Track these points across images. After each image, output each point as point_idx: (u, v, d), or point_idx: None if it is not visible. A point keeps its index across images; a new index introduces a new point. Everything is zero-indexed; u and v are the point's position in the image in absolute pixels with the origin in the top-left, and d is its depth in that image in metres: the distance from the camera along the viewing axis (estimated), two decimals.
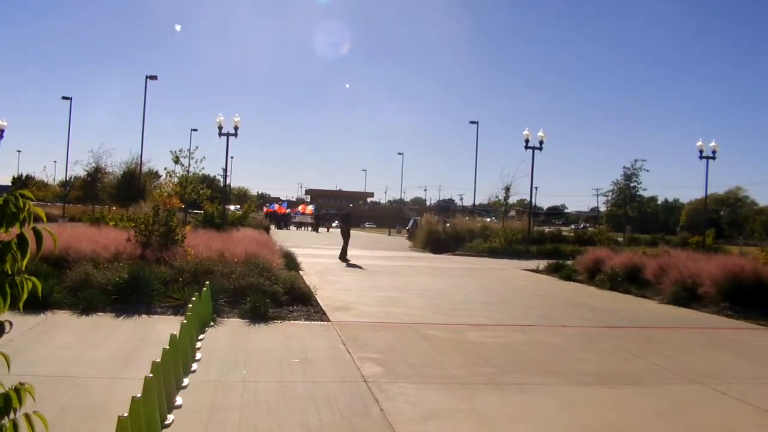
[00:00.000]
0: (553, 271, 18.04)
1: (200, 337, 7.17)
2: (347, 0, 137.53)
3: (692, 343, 8.68)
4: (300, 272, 14.05)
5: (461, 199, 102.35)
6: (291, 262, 14.38)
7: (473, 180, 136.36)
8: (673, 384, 6.30)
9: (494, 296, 12.86)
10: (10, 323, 2.03)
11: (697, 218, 68.83)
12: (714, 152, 26.79)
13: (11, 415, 1.98)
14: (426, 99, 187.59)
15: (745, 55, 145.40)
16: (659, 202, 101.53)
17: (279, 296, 9.62)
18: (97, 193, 45.01)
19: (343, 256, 20.53)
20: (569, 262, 18.41)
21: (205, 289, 8.20)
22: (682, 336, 9.17)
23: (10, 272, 1.97)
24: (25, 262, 1.98)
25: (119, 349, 6.66)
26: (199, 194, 19.78)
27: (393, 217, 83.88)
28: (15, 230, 1.98)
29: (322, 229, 59.84)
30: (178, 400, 4.82)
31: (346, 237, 21.36)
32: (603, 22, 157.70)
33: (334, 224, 59.44)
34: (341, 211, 25.71)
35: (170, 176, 14.78)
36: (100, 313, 8.43)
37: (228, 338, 7.47)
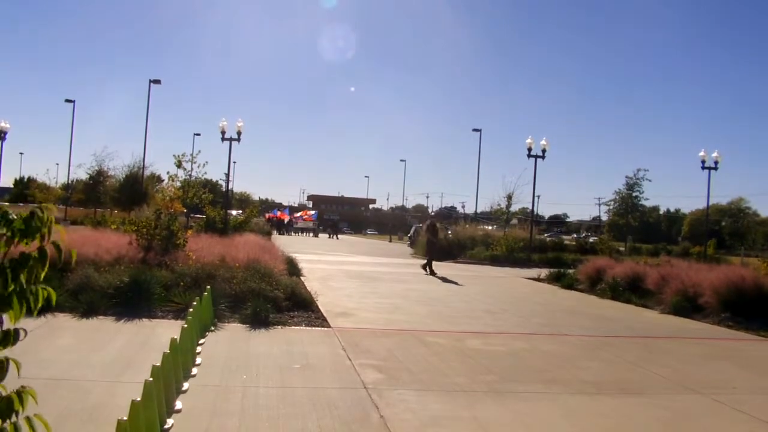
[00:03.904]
0: (554, 279, 18.02)
1: (201, 341, 7.17)
2: (351, 5, 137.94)
3: (693, 353, 8.66)
4: (301, 278, 14.07)
5: (463, 206, 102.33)
6: (292, 268, 14.38)
7: (475, 187, 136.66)
8: (674, 394, 6.28)
9: (495, 304, 12.84)
10: (25, 331, 2.06)
11: (699, 228, 68.82)
12: (716, 163, 26.72)
13: (13, 418, 1.99)
14: (429, 105, 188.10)
15: (749, 65, 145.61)
16: (661, 212, 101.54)
17: (280, 302, 9.62)
18: (99, 196, 45.05)
19: (429, 267, 19.63)
20: (571, 271, 18.39)
21: (206, 293, 8.21)
22: (682, 346, 9.14)
23: (23, 286, 1.99)
24: (43, 274, 2.01)
25: (120, 352, 6.66)
26: (201, 199, 19.77)
27: (395, 223, 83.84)
28: (35, 242, 2.01)
29: (322, 235, 60.11)
30: (178, 405, 4.82)
31: (432, 249, 20.54)
32: (606, 31, 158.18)
33: (345, 230, 60.03)
34: (426, 221, 24.85)
35: (172, 180, 14.73)
36: (101, 317, 8.43)
37: (229, 343, 7.47)
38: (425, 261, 20.19)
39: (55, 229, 2.05)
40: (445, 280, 17.86)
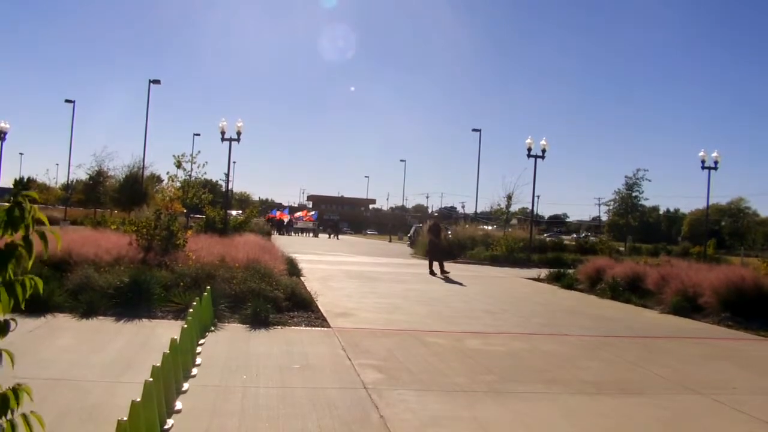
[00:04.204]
0: (554, 279, 18.02)
1: (201, 341, 7.16)
2: (351, 5, 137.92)
3: (693, 353, 8.66)
4: (301, 278, 14.07)
5: (463, 206, 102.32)
6: (292, 268, 14.38)
7: (475, 188, 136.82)
8: (674, 394, 6.28)
9: (495, 304, 12.84)
10: (15, 321, 2.05)
11: (699, 228, 68.86)
12: (716, 163, 26.71)
13: (9, 416, 1.99)
14: (429, 106, 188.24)
15: (749, 65, 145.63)
16: (661, 212, 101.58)
17: (280, 302, 9.62)
18: (99, 196, 45.01)
19: (442, 269, 19.24)
20: (571, 271, 18.38)
21: (206, 293, 8.20)
22: (682, 346, 9.14)
23: (11, 276, 1.98)
24: (30, 263, 2.00)
25: (120, 352, 6.66)
26: (200, 199, 19.78)
27: (395, 224, 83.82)
28: (20, 233, 2.00)
29: (322, 236, 60.21)
30: (178, 405, 4.82)
31: (435, 250, 20.15)
32: (606, 31, 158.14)
33: (345, 230, 60.41)
34: (431, 223, 24.55)
35: (172, 180, 14.74)
36: (101, 317, 8.43)
37: (228, 343, 7.47)
38: (438, 266, 19.62)
39: (40, 218, 2.04)
40: (444, 280, 17.87)
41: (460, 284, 16.83)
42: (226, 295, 9.41)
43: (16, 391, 2.02)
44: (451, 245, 28.69)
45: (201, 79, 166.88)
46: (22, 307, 2.02)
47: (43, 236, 2.03)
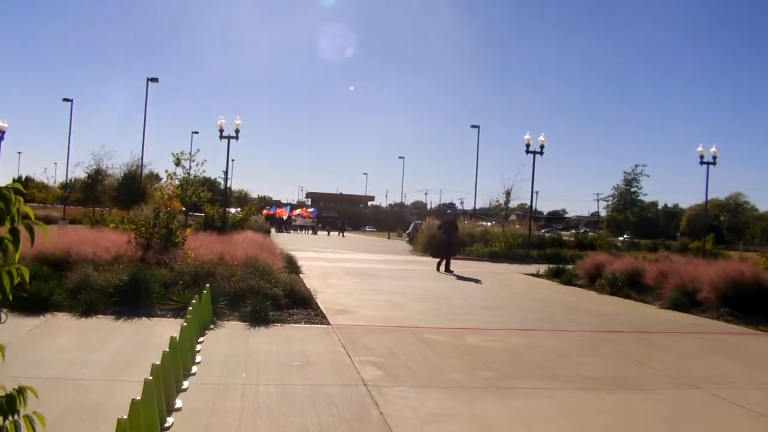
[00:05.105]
0: (553, 275, 18.04)
1: (200, 339, 7.17)
2: (351, 5, 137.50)
3: (692, 348, 8.67)
4: (300, 275, 14.05)
5: (462, 203, 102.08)
6: (291, 266, 14.37)
7: (474, 184, 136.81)
8: (673, 389, 6.29)
9: (495, 300, 12.85)
10: (6, 314, 2.05)
11: (697, 224, 68.85)
12: (714, 158, 26.69)
13: (13, 417, 1.99)
14: (427, 103, 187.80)
15: (747, 60, 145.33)
16: (659, 207, 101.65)
17: (279, 299, 9.62)
18: (97, 195, 44.99)
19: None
20: (570, 267, 18.41)
21: (205, 291, 8.20)
22: (682, 341, 9.16)
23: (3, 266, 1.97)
24: (17, 256, 1.98)
25: (119, 351, 6.66)
26: (199, 197, 19.75)
27: (394, 220, 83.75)
28: (6, 225, 1.99)
29: (321, 233, 60.25)
30: (178, 403, 4.82)
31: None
32: (604, 27, 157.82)
33: (348, 228, 60.68)
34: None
35: (171, 178, 14.72)
36: (100, 316, 8.42)
37: (228, 341, 7.47)
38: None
39: (25, 212, 2.02)
40: (445, 276, 17.88)
41: (459, 280, 16.84)
42: (226, 293, 9.41)
43: (21, 392, 2.03)
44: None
45: (200, 79, 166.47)
46: (9, 298, 2.00)
47: (30, 229, 2.01)
